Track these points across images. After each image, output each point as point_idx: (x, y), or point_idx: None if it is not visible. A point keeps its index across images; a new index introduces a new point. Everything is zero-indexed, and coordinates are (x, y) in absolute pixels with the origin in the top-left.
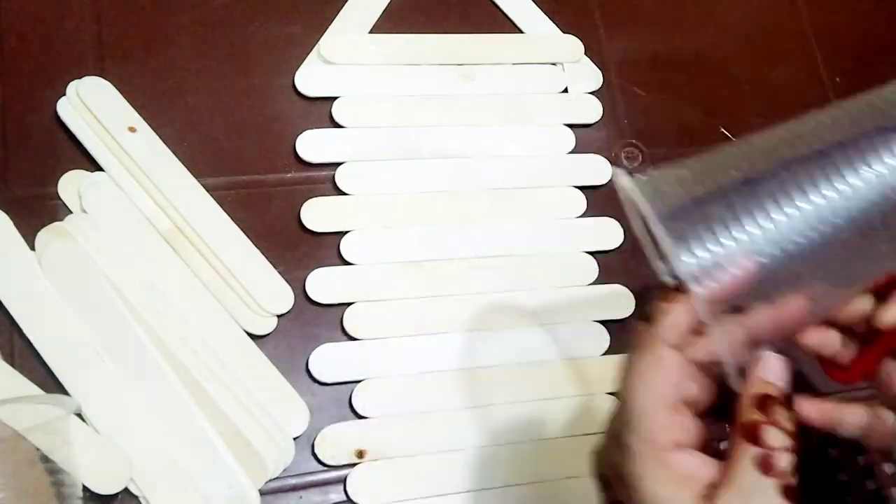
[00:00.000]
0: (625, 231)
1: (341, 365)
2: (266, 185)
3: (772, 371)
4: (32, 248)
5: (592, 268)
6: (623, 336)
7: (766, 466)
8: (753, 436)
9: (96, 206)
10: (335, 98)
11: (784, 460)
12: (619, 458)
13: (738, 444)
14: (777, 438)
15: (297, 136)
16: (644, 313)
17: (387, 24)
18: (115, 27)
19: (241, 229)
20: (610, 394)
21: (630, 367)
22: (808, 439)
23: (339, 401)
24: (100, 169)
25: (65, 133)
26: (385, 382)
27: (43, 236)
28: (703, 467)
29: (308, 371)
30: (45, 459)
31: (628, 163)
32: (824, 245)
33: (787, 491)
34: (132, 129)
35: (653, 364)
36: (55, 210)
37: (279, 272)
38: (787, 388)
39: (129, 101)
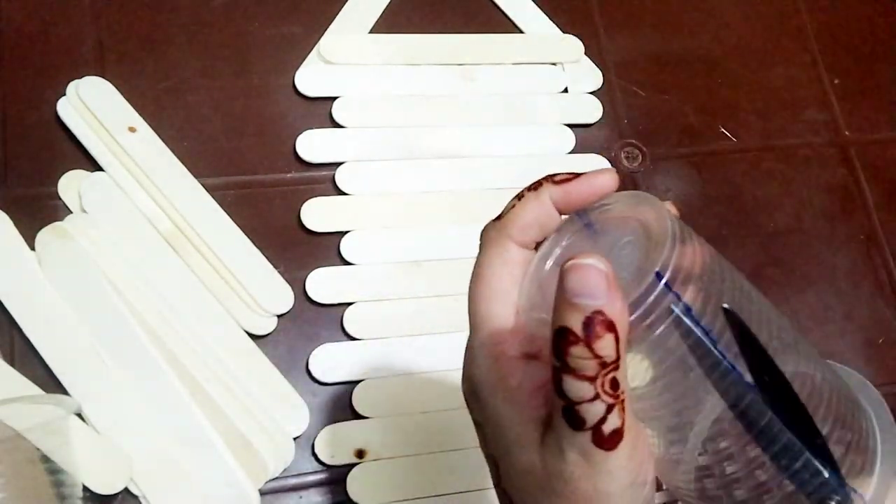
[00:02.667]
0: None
1: (341, 365)
2: (266, 185)
3: (579, 285)
4: (32, 248)
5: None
6: None
7: (574, 421)
8: (556, 383)
9: (96, 206)
10: (335, 98)
11: (594, 412)
12: (468, 368)
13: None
14: (578, 389)
15: (297, 136)
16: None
17: (387, 24)
18: (115, 27)
19: (241, 229)
20: None
21: (474, 268)
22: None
23: (339, 401)
24: (100, 169)
25: (65, 133)
26: (385, 382)
27: (43, 236)
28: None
29: (308, 371)
30: (45, 459)
31: (628, 163)
32: None
33: (605, 442)
34: (132, 129)
35: (496, 261)
36: (55, 210)
37: (279, 272)
38: (610, 305)
39: (129, 101)
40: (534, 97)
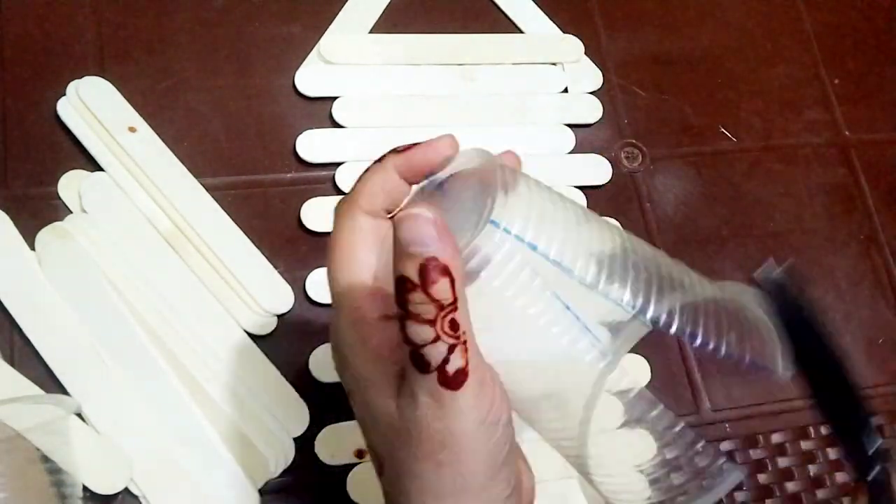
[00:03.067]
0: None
1: None
2: (266, 185)
3: (410, 234)
4: (32, 248)
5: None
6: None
7: (420, 365)
8: (401, 330)
9: (96, 206)
10: (335, 98)
11: (437, 353)
12: (333, 337)
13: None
14: (420, 333)
15: (297, 136)
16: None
17: (387, 24)
18: (115, 27)
19: (241, 229)
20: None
21: (329, 241)
22: None
23: (339, 401)
24: (100, 169)
25: (65, 133)
26: None
27: (43, 236)
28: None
29: (308, 371)
30: (45, 459)
31: (628, 163)
32: None
33: (450, 382)
34: (132, 129)
35: (346, 230)
36: (55, 210)
37: (279, 272)
38: (442, 250)
39: (129, 101)
40: (534, 97)
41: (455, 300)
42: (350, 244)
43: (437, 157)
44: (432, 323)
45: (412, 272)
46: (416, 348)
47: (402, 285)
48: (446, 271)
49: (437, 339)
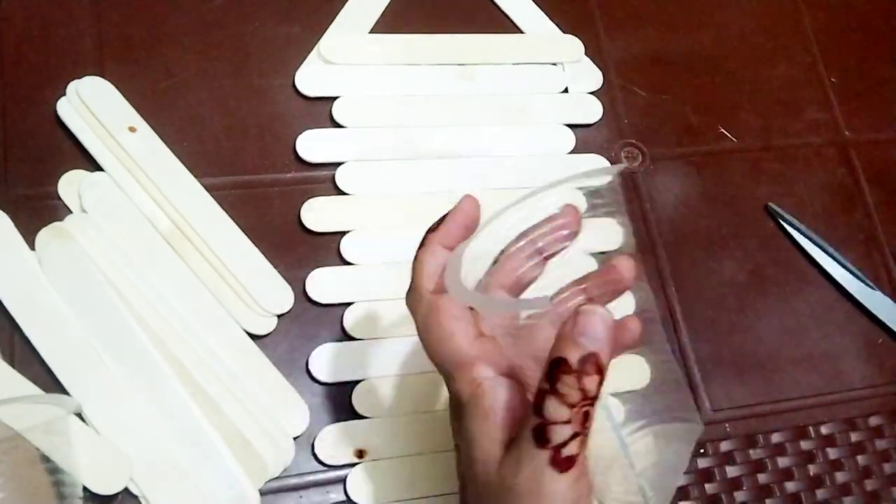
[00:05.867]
0: (625, 231)
1: (341, 365)
2: (266, 185)
3: (586, 328)
4: (32, 248)
5: (592, 268)
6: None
7: (540, 438)
8: (537, 403)
9: (96, 206)
10: (335, 98)
11: (561, 434)
12: (451, 393)
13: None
14: (556, 411)
15: (297, 136)
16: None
17: (387, 24)
18: (115, 27)
19: (241, 229)
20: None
21: (418, 330)
22: None
23: (339, 401)
24: (100, 169)
25: (65, 133)
26: (385, 382)
27: (43, 236)
28: (517, 405)
29: (308, 371)
30: (45, 459)
31: (628, 163)
32: None
33: (559, 463)
34: (132, 129)
35: (433, 311)
36: (55, 210)
37: (279, 272)
38: (605, 353)
39: (129, 101)
40: (534, 97)
41: (597, 397)
42: (442, 320)
43: (468, 220)
44: (571, 406)
45: (573, 358)
46: (545, 423)
47: (559, 366)
48: (601, 370)
49: (567, 421)
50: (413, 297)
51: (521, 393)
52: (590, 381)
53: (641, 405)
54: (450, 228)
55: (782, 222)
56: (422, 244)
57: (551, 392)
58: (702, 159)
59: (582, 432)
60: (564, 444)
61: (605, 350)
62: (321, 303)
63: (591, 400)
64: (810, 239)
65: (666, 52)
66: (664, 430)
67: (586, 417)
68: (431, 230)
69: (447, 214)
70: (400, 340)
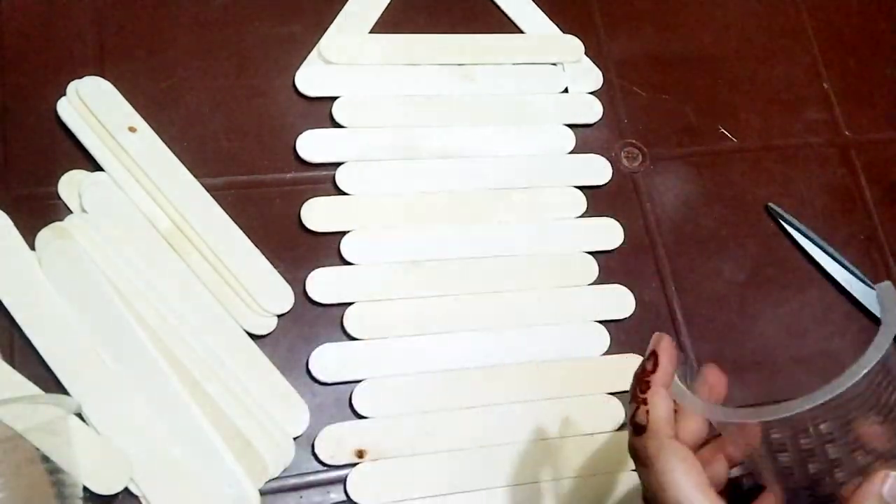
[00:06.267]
0: (625, 231)
1: (341, 365)
2: (266, 185)
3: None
4: (32, 248)
5: (592, 268)
6: (623, 336)
7: None
8: None
9: (96, 206)
10: (335, 98)
11: None
12: None
13: None
14: None
15: (297, 136)
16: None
17: (387, 24)
18: (115, 27)
19: (241, 229)
20: (610, 394)
21: (660, 473)
22: None
23: (339, 401)
24: (100, 169)
25: (65, 133)
26: (385, 382)
27: (43, 236)
28: None
29: (308, 371)
30: (45, 459)
31: (628, 163)
32: None
33: None
34: (132, 129)
35: (677, 461)
36: (55, 210)
37: (279, 272)
38: None
39: (129, 101)
40: (534, 97)
41: None
42: (687, 476)
43: (675, 358)
44: None
45: None
46: None
47: None
48: None
49: None
50: (654, 442)
51: None
52: None
53: None
54: (667, 369)
55: (782, 222)
56: (642, 389)
57: None
58: (702, 159)
59: None
60: None
61: None
62: (321, 303)
63: None
64: (810, 239)
65: (666, 52)
66: None
67: None
68: (646, 373)
69: (656, 355)
70: (400, 340)
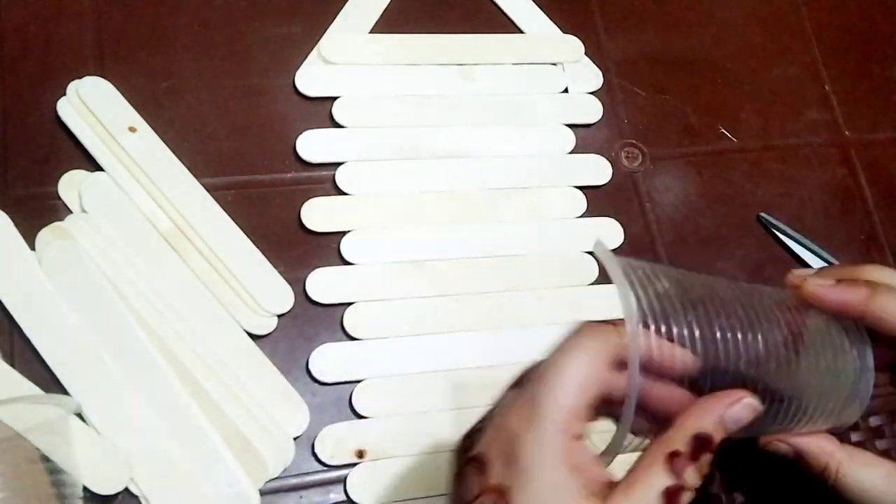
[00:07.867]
0: (625, 231)
1: (341, 365)
2: (266, 185)
3: (735, 415)
4: (32, 248)
5: (592, 268)
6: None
7: (671, 499)
8: (675, 467)
9: (96, 206)
10: (335, 98)
11: (686, 500)
12: (520, 434)
13: (652, 462)
14: (693, 479)
15: (297, 136)
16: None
17: (387, 24)
18: (115, 27)
19: (241, 229)
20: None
21: (564, 348)
22: None
23: (339, 401)
24: (100, 169)
25: (65, 133)
26: (385, 382)
27: (43, 236)
28: (596, 465)
29: (308, 371)
30: (45, 459)
31: (628, 163)
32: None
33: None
34: (132, 129)
35: (587, 353)
36: (55, 210)
37: (279, 272)
38: (734, 434)
39: (129, 101)
40: (534, 97)
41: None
42: (585, 364)
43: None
44: (702, 479)
45: (717, 439)
46: (683, 487)
47: (707, 445)
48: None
49: (696, 491)
50: (597, 337)
51: None
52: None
53: None
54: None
55: (775, 231)
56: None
57: (691, 459)
58: (702, 159)
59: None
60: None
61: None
62: (321, 303)
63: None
64: (806, 247)
65: (666, 52)
66: None
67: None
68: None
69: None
70: (400, 340)
